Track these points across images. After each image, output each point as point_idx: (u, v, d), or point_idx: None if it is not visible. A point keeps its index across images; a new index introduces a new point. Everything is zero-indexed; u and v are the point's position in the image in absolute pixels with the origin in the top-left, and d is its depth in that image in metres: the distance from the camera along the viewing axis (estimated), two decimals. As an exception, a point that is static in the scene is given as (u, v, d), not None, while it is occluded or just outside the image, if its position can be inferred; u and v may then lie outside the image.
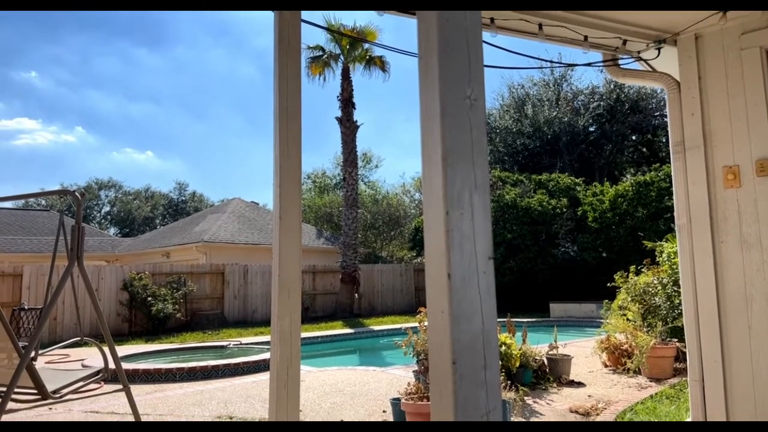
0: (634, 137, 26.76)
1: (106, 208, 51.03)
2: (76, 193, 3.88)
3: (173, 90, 62.38)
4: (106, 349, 3.92)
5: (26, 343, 3.54)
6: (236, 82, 62.49)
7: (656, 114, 25.83)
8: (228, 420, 5.13)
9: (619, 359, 7.22)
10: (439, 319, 1.14)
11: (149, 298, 14.44)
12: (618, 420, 4.80)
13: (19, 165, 59.61)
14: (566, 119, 25.13)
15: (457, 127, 1.16)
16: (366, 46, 18.91)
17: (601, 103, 25.69)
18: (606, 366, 7.44)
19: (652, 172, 17.60)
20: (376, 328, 14.43)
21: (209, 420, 5.16)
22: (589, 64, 3.95)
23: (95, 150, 61.72)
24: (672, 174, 3.65)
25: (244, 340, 11.96)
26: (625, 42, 3.72)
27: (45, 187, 49.31)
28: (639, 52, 3.87)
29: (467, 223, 1.14)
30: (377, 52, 19.50)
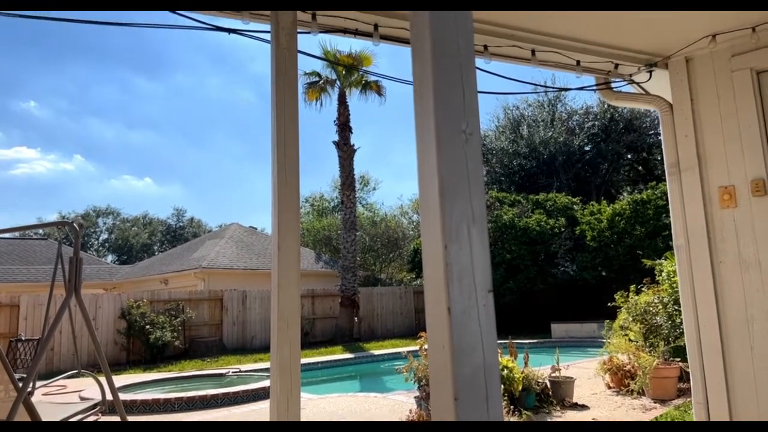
0: (629, 156, 26.93)
1: (104, 236, 50.91)
2: (75, 224, 3.87)
3: (171, 117, 62.80)
4: (103, 381, 3.87)
5: (23, 375, 3.50)
6: (234, 107, 62.97)
7: (651, 132, 26.03)
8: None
9: (622, 380, 7.16)
10: (440, 355, 1.13)
11: (147, 326, 14.32)
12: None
13: (17, 194, 59.61)
14: (562, 139, 25.32)
15: (453, 161, 1.17)
16: (362, 70, 19.12)
17: (596, 122, 25.92)
18: (609, 387, 7.37)
19: (649, 191, 17.67)
20: (377, 352, 14.30)
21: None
22: (582, 88, 4.00)
23: (94, 178, 61.84)
24: (668, 195, 3.67)
25: (244, 367, 11.83)
26: (617, 66, 3.77)
27: (43, 215, 49.32)
28: (631, 75, 3.92)
29: (466, 257, 1.15)
30: (374, 76, 19.71)
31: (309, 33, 3.09)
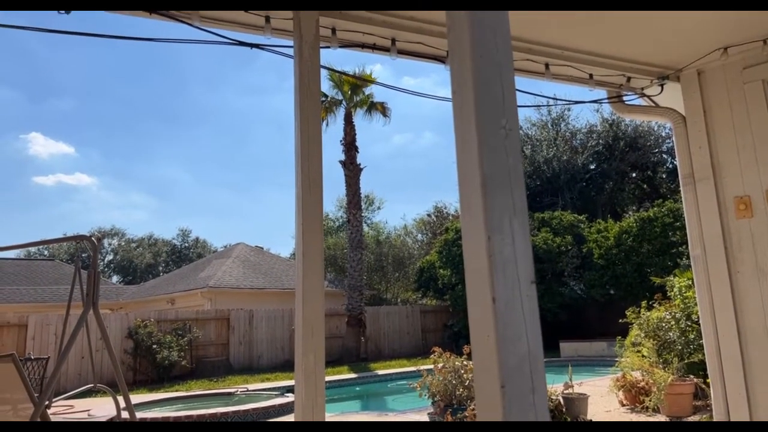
0: (633, 174, 26.96)
1: (109, 257, 51.00)
2: (93, 239, 3.91)
3: (180, 142, 63.28)
4: (119, 398, 3.87)
5: (36, 394, 3.50)
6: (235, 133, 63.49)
7: (655, 151, 26.11)
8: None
9: (636, 397, 7.08)
10: (484, 344, 1.15)
11: (154, 346, 14.28)
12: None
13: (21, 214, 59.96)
14: (565, 158, 25.39)
15: (494, 155, 1.20)
16: (367, 91, 19.34)
17: (600, 141, 26.01)
18: (623, 405, 7.29)
19: (655, 208, 17.65)
20: (385, 372, 14.20)
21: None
22: (595, 101, 4.05)
23: (100, 199, 62.21)
24: (684, 206, 3.69)
25: (251, 386, 11.76)
26: (629, 79, 3.82)
27: (46, 236, 49.50)
28: (643, 89, 3.97)
29: (509, 248, 1.17)
30: (378, 97, 19.93)
31: (329, 47, 3.16)
